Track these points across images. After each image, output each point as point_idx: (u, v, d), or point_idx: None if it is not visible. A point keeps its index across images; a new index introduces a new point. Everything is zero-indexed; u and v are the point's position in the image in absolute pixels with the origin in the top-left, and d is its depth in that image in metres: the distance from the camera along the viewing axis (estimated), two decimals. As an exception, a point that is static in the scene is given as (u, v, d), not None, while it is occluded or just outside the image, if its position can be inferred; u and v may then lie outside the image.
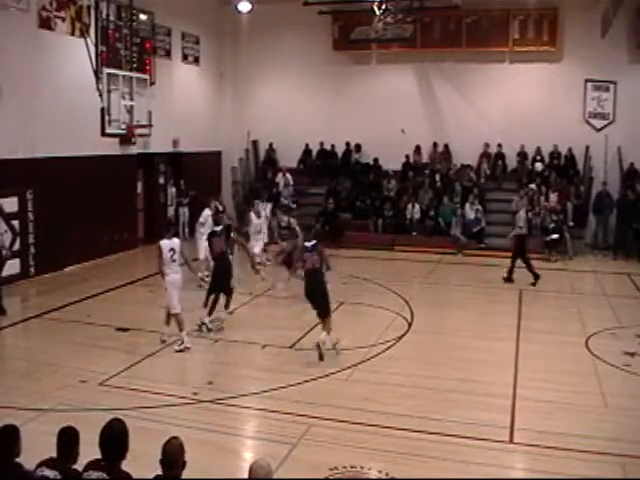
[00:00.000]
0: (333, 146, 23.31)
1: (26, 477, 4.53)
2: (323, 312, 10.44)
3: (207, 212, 14.70)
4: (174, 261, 10.71)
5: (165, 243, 10.73)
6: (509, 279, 15.85)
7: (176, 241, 10.86)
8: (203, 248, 14.00)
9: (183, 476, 4.40)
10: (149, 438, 6.84)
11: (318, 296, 10.45)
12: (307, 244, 10.75)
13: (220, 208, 15.25)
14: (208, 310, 11.57)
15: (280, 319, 12.74)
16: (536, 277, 15.67)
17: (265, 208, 16.45)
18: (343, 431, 7.67)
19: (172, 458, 4.34)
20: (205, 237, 13.18)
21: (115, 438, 4.46)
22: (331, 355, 10.30)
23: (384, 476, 6.67)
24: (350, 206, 21.55)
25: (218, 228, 12.06)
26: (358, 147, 23.10)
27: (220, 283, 11.76)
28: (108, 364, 9.81)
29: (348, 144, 23.15)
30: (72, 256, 16.17)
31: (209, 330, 11.43)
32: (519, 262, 15.82)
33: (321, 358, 9.99)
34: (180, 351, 10.46)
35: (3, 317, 12.33)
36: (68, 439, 4.57)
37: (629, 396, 8.89)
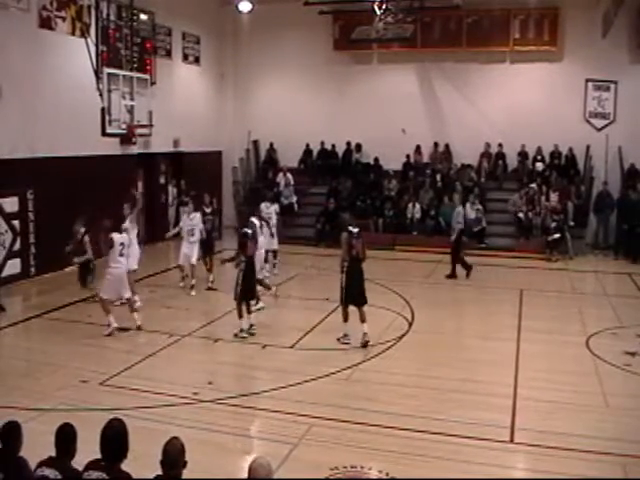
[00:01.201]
0: (334, 146, 23.30)
1: (27, 476, 4.54)
2: (363, 300, 10.73)
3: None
4: (122, 255, 11.41)
5: (117, 237, 11.38)
6: (468, 273, 16.30)
7: (125, 236, 11.67)
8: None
9: (184, 476, 4.38)
10: (150, 438, 6.83)
11: (361, 283, 10.73)
12: (353, 230, 10.74)
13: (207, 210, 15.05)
14: (240, 315, 11.22)
15: (281, 319, 12.73)
16: (452, 274, 16.25)
17: (268, 207, 16.06)
18: (344, 431, 7.66)
19: (173, 458, 4.30)
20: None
21: (115, 438, 4.44)
22: (333, 355, 10.31)
23: (384, 476, 6.66)
24: (351, 206, 21.53)
25: (250, 230, 11.63)
26: (358, 147, 23.10)
27: (250, 289, 11.40)
28: (109, 364, 9.81)
29: (349, 144, 23.15)
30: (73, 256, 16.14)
31: (251, 334, 11.23)
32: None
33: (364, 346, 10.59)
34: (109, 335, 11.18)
35: (2, 315, 12.36)
36: (66, 437, 4.59)
37: (630, 396, 8.88)
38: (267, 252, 14.77)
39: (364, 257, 10.82)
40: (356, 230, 10.75)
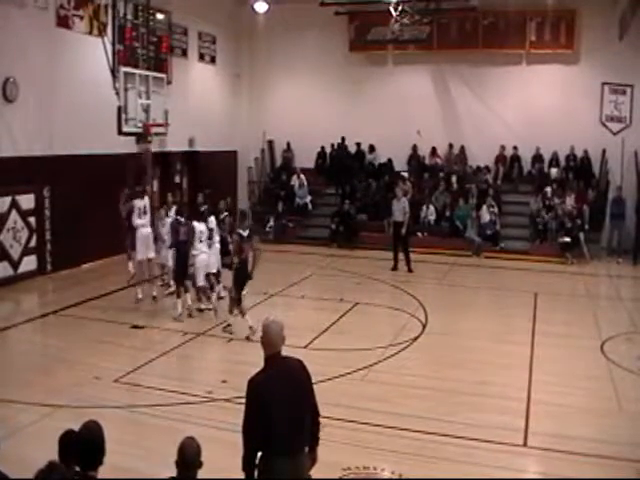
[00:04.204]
0: (346, 147, 23.33)
1: None
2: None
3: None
4: (146, 213, 13.22)
5: (137, 202, 13.29)
6: (395, 268, 17.06)
7: (146, 199, 13.54)
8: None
9: (198, 476, 4.36)
10: (163, 436, 6.88)
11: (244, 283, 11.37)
12: (243, 233, 11.38)
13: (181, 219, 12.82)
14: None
15: (294, 319, 12.73)
16: (408, 270, 16.90)
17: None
18: (357, 431, 7.68)
19: (189, 460, 4.24)
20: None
21: (93, 441, 4.19)
22: (347, 355, 10.33)
23: (397, 477, 6.67)
24: (366, 207, 21.52)
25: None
26: (372, 148, 23.09)
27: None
28: (123, 361, 9.88)
29: (359, 144, 23.20)
30: (89, 253, 16.25)
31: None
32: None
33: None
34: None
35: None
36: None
37: (644, 401, 8.84)
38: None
39: (254, 262, 11.34)
40: (246, 233, 11.35)
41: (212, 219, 12.96)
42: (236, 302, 11.39)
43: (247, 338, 10.92)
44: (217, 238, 12.92)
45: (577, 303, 14.55)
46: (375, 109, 22.58)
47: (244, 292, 11.45)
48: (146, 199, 13.61)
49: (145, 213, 13.38)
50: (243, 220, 12.28)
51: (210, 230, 12.72)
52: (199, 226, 12.49)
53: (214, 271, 12.93)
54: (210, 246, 12.71)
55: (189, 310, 12.44)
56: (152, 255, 13.54)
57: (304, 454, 4.76)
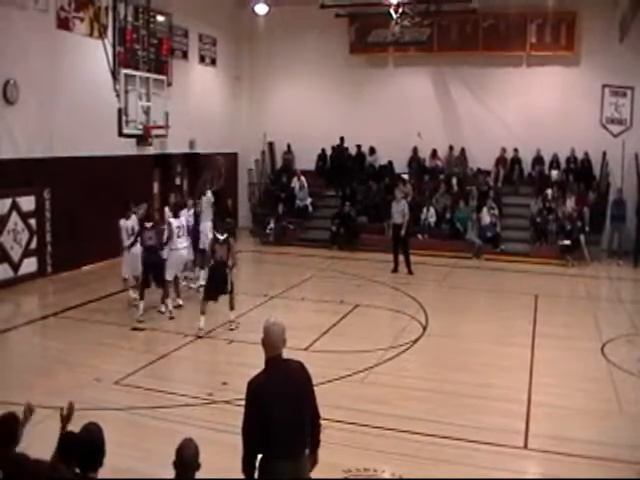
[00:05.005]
0: (346, 148, 23.31)
1: (33, 466, 4.35)
2: (216, 298, 11.77)
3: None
4: (133, 234, 12.63)
5: (124, 223, 12.84)
6: (395, 270, 17.07)
7: (134, 218, 12.84)
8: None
9: (196, 476, 4.35)
10: (163, 438, 6.87)
11: (220, 285, 11.59)
12: (220, 237, 11.58)
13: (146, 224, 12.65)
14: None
15: (295, 321, 12.71)
16: (409, 272, 16.91)
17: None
18: (357, 433, 7.67)
19: (187, 461, 4.24)
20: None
21: (93, 443, 4.22)
22: (347, 357, 10.32)
23: (397, 478, 6.66)
24: (366, 209, 21.52)
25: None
26: (372, 150, 23.09)
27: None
28: (123, 363, 9.88)
29: (359, 147, 23.19)
30: (89, 255, 16.25)
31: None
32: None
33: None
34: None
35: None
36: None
37: (645, 403, 8.83)
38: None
39: (233, 264, 11.72)
40: (222, 237, 11.56)
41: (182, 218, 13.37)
42: (205, 300, 11.72)
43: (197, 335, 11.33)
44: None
45: (577, 305, 14.56)
46: (375, 111, 22.59)
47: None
48: (133, 218, 12.88)
49: (132, 234, 12.71)
50: (222, 223, 12.39)
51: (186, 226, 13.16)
52: (175, 222, 12.91)
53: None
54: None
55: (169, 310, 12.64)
56: (137, 273, 12.77)
57: (304, 456, 4.75)
